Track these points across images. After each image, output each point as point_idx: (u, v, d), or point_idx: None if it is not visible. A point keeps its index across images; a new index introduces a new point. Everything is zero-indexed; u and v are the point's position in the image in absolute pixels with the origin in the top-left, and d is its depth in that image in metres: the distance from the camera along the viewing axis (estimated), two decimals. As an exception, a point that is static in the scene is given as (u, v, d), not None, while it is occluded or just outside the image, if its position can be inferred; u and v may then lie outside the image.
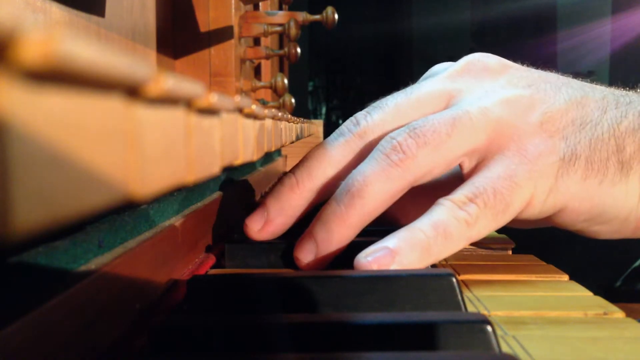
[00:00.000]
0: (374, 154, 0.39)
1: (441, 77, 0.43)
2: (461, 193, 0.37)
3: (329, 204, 0.39)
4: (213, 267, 0.41)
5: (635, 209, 0.38)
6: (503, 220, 0.37)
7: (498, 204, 0.36)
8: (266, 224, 0.41)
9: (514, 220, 0.39)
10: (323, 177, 0.41)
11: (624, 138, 0.38)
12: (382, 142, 0.39)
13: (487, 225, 0.37)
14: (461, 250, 0.46)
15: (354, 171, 0.39)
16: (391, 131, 0.40)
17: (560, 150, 0.38)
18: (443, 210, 0.36)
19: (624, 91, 0.42)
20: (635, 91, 0.42)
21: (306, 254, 0.38)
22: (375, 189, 0.37)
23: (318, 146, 0.43)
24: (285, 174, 0.42)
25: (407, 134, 0.38)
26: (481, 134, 0.39)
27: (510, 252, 0.47)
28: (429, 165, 0.38)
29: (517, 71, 0.42)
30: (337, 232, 0.38)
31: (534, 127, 0.38)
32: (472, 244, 0.49)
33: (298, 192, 0.41)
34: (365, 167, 0.38)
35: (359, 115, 0.42)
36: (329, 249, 0.38)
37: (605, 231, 0.40)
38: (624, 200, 0.38)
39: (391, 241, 0.36)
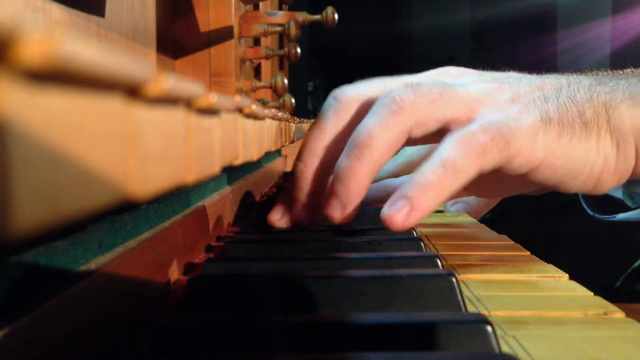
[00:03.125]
0: (375, 107, 0.43)
1: (424, 74, 0.49)
2: (475, 124, 0.42)
3: (340, 160, 0.42)
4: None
5: (596, 163, 0.45)
6: (505, 156, 0.42)
7: (502, 138, 0.42)
8: (294, 210, 0.46)
9: (507, 180, 0.46)
10: (325, 150, 0.45)
11: (582, 105, 0.44)
12: (381, 96, 0.43)
13: (494, 157, 0.41)
14: (461, 250, 0.46)
15: (359, 126, 0.43)
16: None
17: (536, 114, 0.44)
18: (453, 145, 0.41)
19: (576, 75, 0.48)
20: (585, 74, 0.49)
21: (335, 210, 0.43)
22: (380, 138, 0.42)
23: (311, 126, 0.46)
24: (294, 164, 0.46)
25: (404, 87, 0.43)
26: (465, 105, 0.44)
27: (510, 252, 0.47)
28: (424, 115, 0.43)
29: (480, 72, 0.49)
30: (353, 184, 0.42)
31: (507, 101, 0.45)
32: (472, 244, 0.49)
33: (311, 173, 0.45)
34: (368, 120, 0.43)
35: (343, 87, 0.47)
36: (351, 201, 0.42)
37: (574, 185, 0.46)
38: (587, 155, 0.44)
39: (406, 188, 0.40)
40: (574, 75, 0.48)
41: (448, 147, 0.41)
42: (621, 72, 0.49)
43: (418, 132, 0.43)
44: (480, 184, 0.54)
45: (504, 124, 0.42)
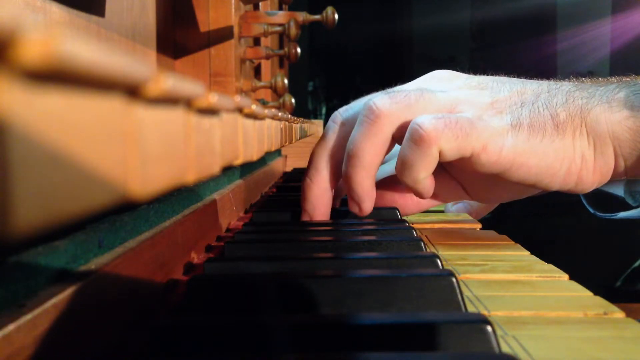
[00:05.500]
0: (358, 119, 0.49)
1: (411, 82, 0.55)
2: (427, 115, 0.46)
3: (342, 169, 0.51)
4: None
5: (573, 162, 0.47)
6: (466, 147, 0.46)
7: (459, 128, 0.46)
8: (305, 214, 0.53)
9: (501, 184, 0.51)
10: (327, 166, 0.52)
11: (556, 109, 0.47)
12: (362, 108, 0.49)
13: (450, 143, 0.46)
14: (461, 250, 0.46)
15: (349, 140, 0.50)
16: None
17: (508, 119, 0.48)
18: (404, 142, 0.47)
19: (559, 82, 0.52)
20: (570, 80, 0.53)
21: (353, 208, 0.51)
22: (364, 147, 0.48)
23: (316, 145, 0.53)
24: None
25: (382, 95, 0.49)
26: (444, 107, 0.49)
27: (510, 252, 0.47)
28: (401, 120, 0.48)
29: (469, 76, 0.53)
30: (359, 186, 0.50)
31: (486, 105, 0.49)
32: (472, 244, 0.49)
33: (315, 187, 0.52)
34: (354, 133, 0.49)
35: (340, 110, 0.53)
36: (362, 198, 0.50)
37: (554, 183, 0.48)
38: (562, 153, 0.47)
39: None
40: (557, 82, 0.51)
41: (403, 145, 0.47)
42: (605, 79, 0.52)
43: (401, 134, 0.48)
44: (477, 189, 0.57)
45: (467, 119, 0.46)
